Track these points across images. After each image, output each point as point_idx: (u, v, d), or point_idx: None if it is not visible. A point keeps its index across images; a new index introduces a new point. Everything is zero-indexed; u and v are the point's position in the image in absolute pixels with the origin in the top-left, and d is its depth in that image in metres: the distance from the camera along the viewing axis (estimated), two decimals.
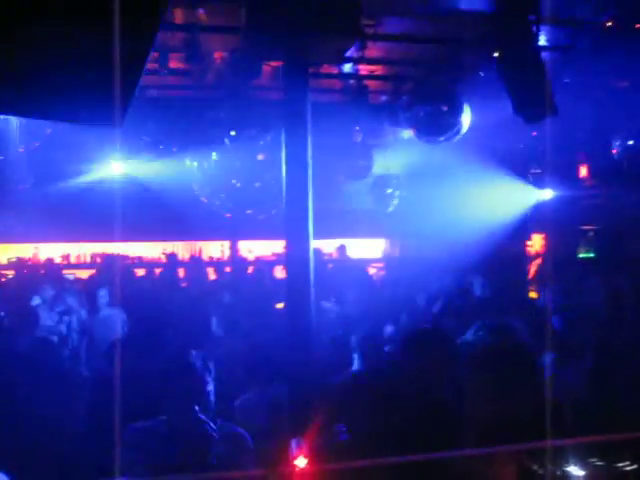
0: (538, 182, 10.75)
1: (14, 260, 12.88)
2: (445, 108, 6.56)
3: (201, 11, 6.48)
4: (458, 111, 6.59)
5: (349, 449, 3.21)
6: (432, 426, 3.45)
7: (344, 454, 3.16)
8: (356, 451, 3.12)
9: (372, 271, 13.89)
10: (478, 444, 3.13)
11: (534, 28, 5.68)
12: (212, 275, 12.61)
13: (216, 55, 7.51)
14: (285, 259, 4.45)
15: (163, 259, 13.87)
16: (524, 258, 12.25)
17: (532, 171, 10.66)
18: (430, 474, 2.86)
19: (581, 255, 12.55)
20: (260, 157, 7.81)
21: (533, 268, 12.41)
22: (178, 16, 6.62)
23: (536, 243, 12.92)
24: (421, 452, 2.79)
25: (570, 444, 2.95)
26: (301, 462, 2.69)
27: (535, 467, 2.91)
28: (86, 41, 1.67)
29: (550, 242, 11.58)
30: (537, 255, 12.55)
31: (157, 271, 12.45)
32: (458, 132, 6.69)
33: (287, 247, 4.40)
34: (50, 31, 1.65)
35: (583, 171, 11.27)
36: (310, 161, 4.34)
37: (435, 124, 6.64)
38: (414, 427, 3.42)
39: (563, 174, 10.65)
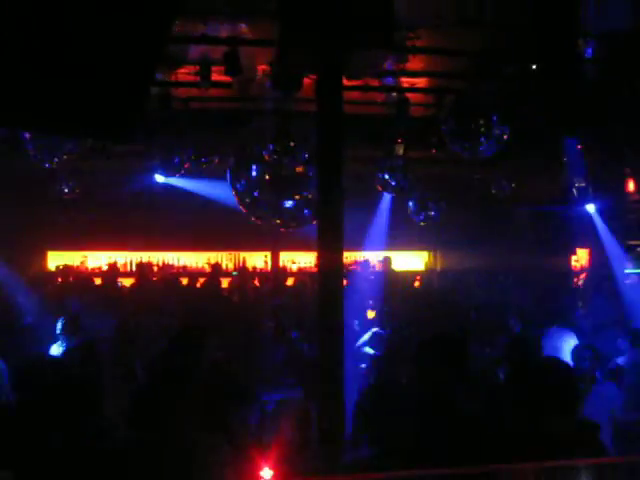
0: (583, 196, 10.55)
1: (62, 267, 13.14)
2: (482, 121, 6.50)
3: (242, 25, 6.54)
4: (496, 125, 6.51)
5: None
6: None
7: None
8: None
9: (416, 284, 13.85)
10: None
11: (575, 40, 5.61)
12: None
13: (258, 68, 7.57)
14: (317, 271, 4.47)
15: (207, 269, 14.01)
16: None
17: (577, 185, 10.46)
18: None
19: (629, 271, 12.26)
20: (299, 169, 7.81)
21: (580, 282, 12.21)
22: (220, 29, 6.68)
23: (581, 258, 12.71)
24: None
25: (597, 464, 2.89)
26: (266, 474, 2.66)
27: None
28: (93, 59, 1.71)
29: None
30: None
31: (201, 280, 12.62)
32: (497, 146, 6.61)
33: (319, 259, 4.42)
34: (63, 47, 1.69)
35: (630, 185, 11.03)
36: (342, 174, 4.36)
37: (473, 138, 6.57)
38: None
39: (609, 188, 10.46)
